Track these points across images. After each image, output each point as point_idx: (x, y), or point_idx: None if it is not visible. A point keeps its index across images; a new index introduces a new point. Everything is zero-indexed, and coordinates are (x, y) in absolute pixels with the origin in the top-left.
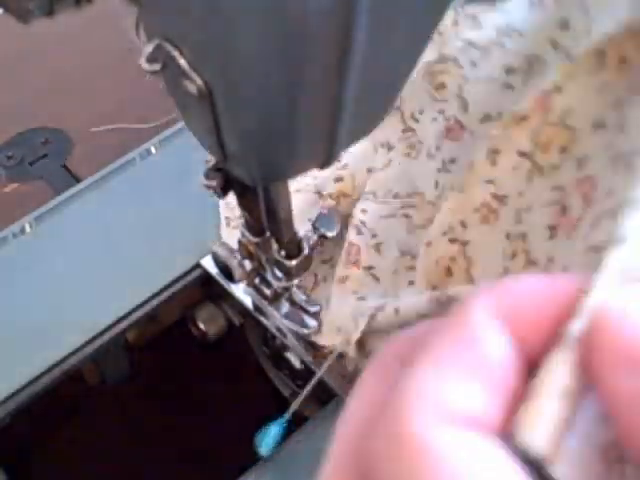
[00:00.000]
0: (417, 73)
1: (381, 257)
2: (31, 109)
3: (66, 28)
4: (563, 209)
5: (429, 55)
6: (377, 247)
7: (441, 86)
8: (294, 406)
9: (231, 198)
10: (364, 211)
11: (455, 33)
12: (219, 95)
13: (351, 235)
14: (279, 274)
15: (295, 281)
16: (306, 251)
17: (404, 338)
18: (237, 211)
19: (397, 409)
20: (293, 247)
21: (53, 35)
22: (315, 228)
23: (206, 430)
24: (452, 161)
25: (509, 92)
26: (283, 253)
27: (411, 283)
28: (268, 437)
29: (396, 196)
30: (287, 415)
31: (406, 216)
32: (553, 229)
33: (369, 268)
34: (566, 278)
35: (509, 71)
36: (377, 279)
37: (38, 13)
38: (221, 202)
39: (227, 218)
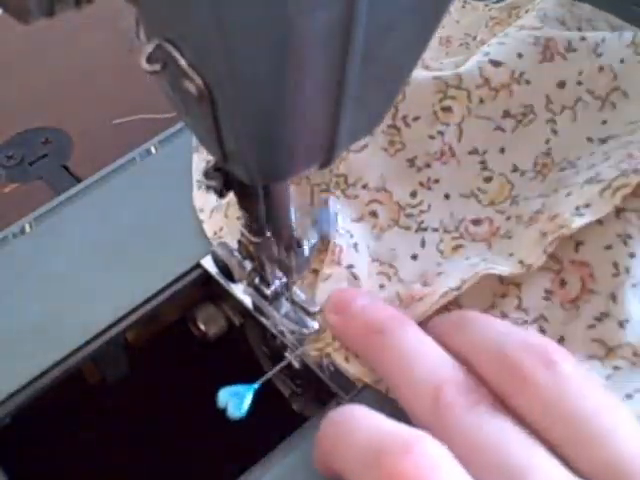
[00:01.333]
0: (428, 81)
1: (359, 256)
2: (31, 109)
3: (66, 28)
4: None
5: (448, 65)
6: (355, 247)
7: (447, 110)
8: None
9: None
10: (336, 214)
11: (480, 53)
12: (219, 95)
13: (335, 236)
14: (279, 274)
15: (296, 278)
16: (306, 252)
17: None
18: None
19: None
20: (293, 245)
21: (53, 35)
22: (315, 226)
23: (206, 430)
24: (436, 181)
25: (498, 134)
26: (283, 252)
27: (382, 287)
28: (240, 401)
29: (365, 187)
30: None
31: (372, 214)
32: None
33: (349, 267)
34: None
35: (505, 115)
36: (356, 277)
37: (38, 13)
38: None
39: (198, 182)
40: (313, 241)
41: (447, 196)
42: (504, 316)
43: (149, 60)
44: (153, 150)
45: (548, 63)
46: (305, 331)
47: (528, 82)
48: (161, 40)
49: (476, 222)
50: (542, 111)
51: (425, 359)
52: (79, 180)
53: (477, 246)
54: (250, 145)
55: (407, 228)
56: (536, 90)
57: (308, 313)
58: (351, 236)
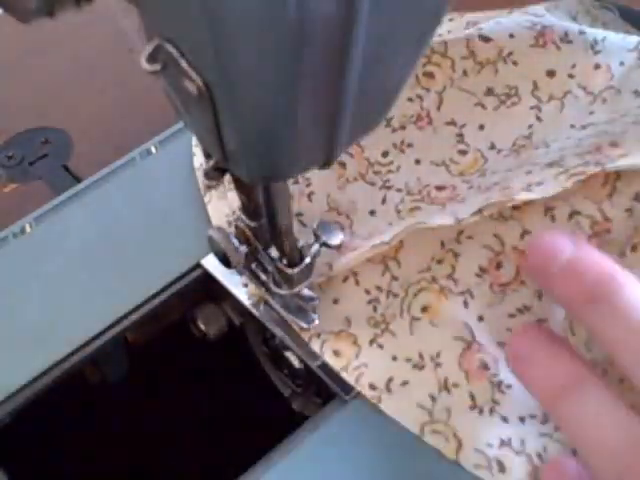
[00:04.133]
0: None
1: (311, 205)
2: (31, 109)
3: (66, 28)
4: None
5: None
6: (309, 196)
7: (430, 75)
8: None
9: None
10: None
11: (473, 28)
12: (219, 95)
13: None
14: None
15: (296, 289)
16: (308, 259)
17: None
18: None
19: None
20: (294, 256)
21: (53, 35)
22: (317, 236)
23: (206, 430)
24: (409, 145)
25: (479, 110)
26: (285, 261)
27: None
28: None
29: None
30: None
31: (341, 165)
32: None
33: (298, 214)
34: None
35: (488, 92)
36: (304, 225)
37: (38, 13)
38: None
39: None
40: (314, 250)
41: (418, 161)
42: (434, 281)
43: (149, 60)
44: (153, 150)
45: (540, 49)
46: (304, 325)
47: (515, 63)
48: (161, 40)
49: (440, 188)
50: (527, 96)
51: None
52: (79, 180)
53: (432, 208)
54: (250, 145)
55: (372, 184)
56: (523, 74)
57: (307, 302)
58: (307, 185)
